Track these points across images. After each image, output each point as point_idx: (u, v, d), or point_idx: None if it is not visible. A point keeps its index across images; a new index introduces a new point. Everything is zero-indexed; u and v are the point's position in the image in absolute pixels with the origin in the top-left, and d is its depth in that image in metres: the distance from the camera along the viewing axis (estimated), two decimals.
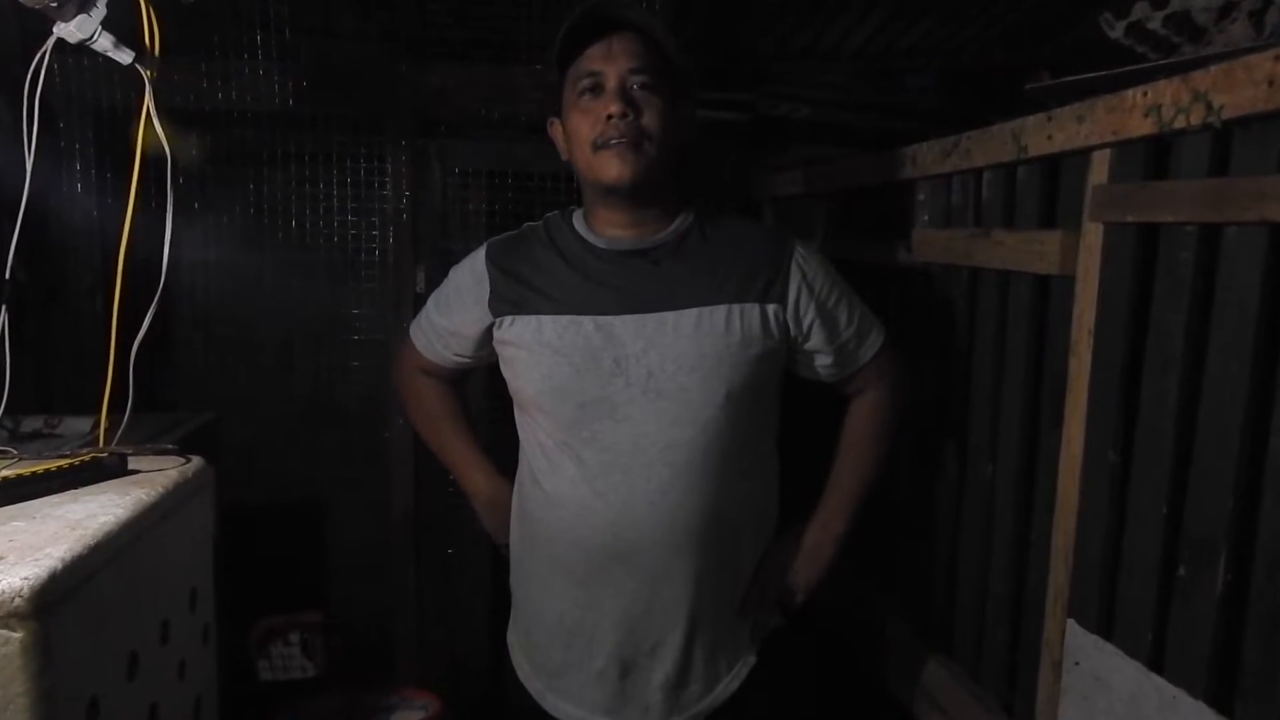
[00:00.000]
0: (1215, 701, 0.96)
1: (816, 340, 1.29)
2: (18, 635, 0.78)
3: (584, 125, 1.21)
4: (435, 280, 2.12)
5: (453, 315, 1.37)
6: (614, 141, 1.19)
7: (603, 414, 1.21)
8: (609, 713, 1.27)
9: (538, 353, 1.24)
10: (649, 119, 1.20)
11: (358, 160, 2.14)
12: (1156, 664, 1.04)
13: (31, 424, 1.55)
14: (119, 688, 0.94)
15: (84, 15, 1.10)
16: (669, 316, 1.22)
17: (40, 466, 1.05)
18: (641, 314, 1.22)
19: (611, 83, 1.19)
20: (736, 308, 1.23)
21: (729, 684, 1.30)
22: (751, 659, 1.32)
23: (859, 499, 1.37)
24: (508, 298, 1.28)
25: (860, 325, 1.32)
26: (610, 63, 1.19)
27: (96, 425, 1.44)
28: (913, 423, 1.60)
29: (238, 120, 2.05)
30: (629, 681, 1.27)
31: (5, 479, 1.00)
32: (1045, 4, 2.37)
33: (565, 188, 2.14)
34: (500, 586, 1.47)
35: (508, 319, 1.28)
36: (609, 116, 1.18)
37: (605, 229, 1.27)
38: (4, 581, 0.78)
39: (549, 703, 1.31)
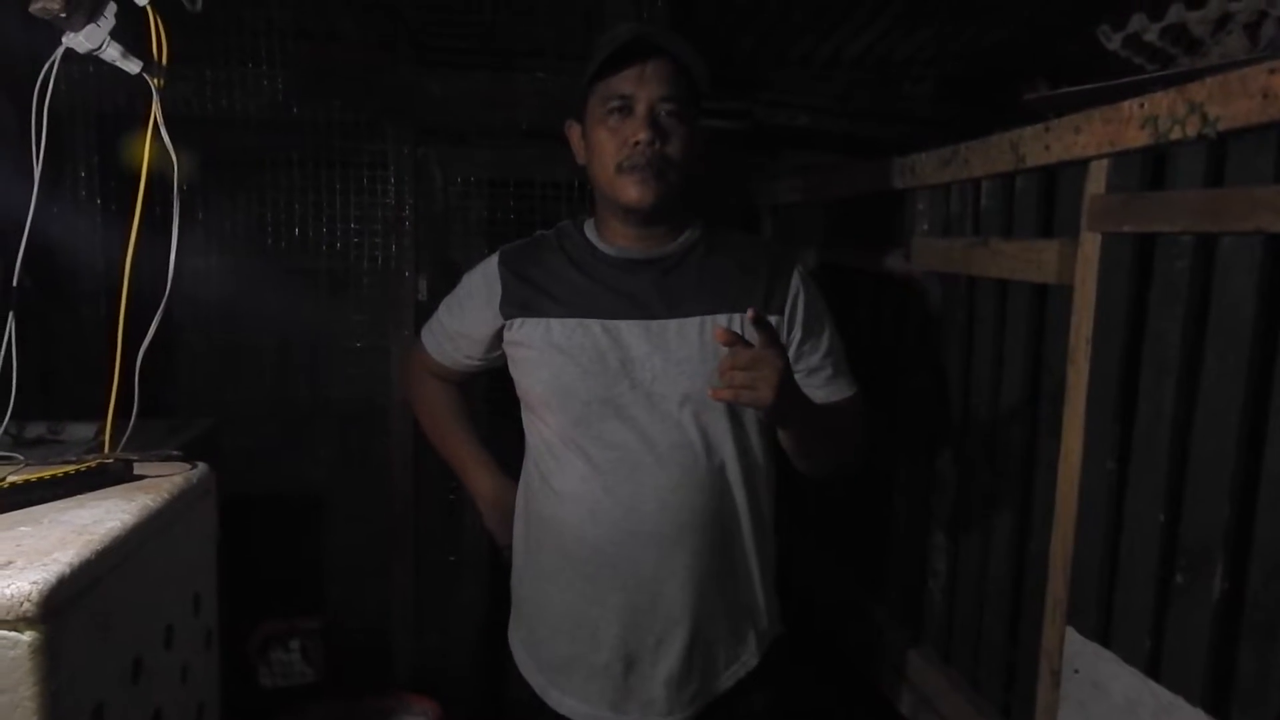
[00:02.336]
0: (1212, 708, 0.97)
1: (808, 359, 1.31)
2: (26, 639, 0.78)
3: (609, 144, 1.24)
4: (437, 287, 2.15)
5: (464, 318, 1.41)
6: (639, 167, 1.22)
7: (609, 414, 1.25)
8: (612, 707, 1.29)
9: (546, 353, 1.27)
10: (674, 147, 1.23)
11: (360, 168, 2.16)
12: (1154, 671, 1.05)
13: (35, 430, 1.56)
14: (124, 692, 0.94)
15: (93, 25, 1.11)
16: (673, 324, 1.26)
17: (46, 472, 1.06)
18: (648, 320, 1.26)
19: (641, 108, 1.22)
20: (738, 316, 1.26)
21: (726, 680, 1.32)
22: (753, 662, 1.33)
23: (823, 415, 1.28)
24: (518, 300, 1.32)
25: (839, 360, 1.34)
26: (642, 87, 1.22)
27: (100, 431, 1.44)
28: (912, 431, 1.61)
29: (240, 127, 2.07)
30: (633, 676, 1.28)
31: (12, 484, 1.01)
32: (1043, 15, 2.39)
33: (566, 195, 2.16)
34: (499, 592, 1.48)
35: (517, 321, 1.31)
36: (636, 142, 1.21)
37: (616, 238, 1.31)
38: (13, 586, 0.78)
39: (552, 698, 1.32)
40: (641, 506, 1.24)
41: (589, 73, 1.25)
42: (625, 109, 1.23)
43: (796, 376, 1.28)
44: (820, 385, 1.32)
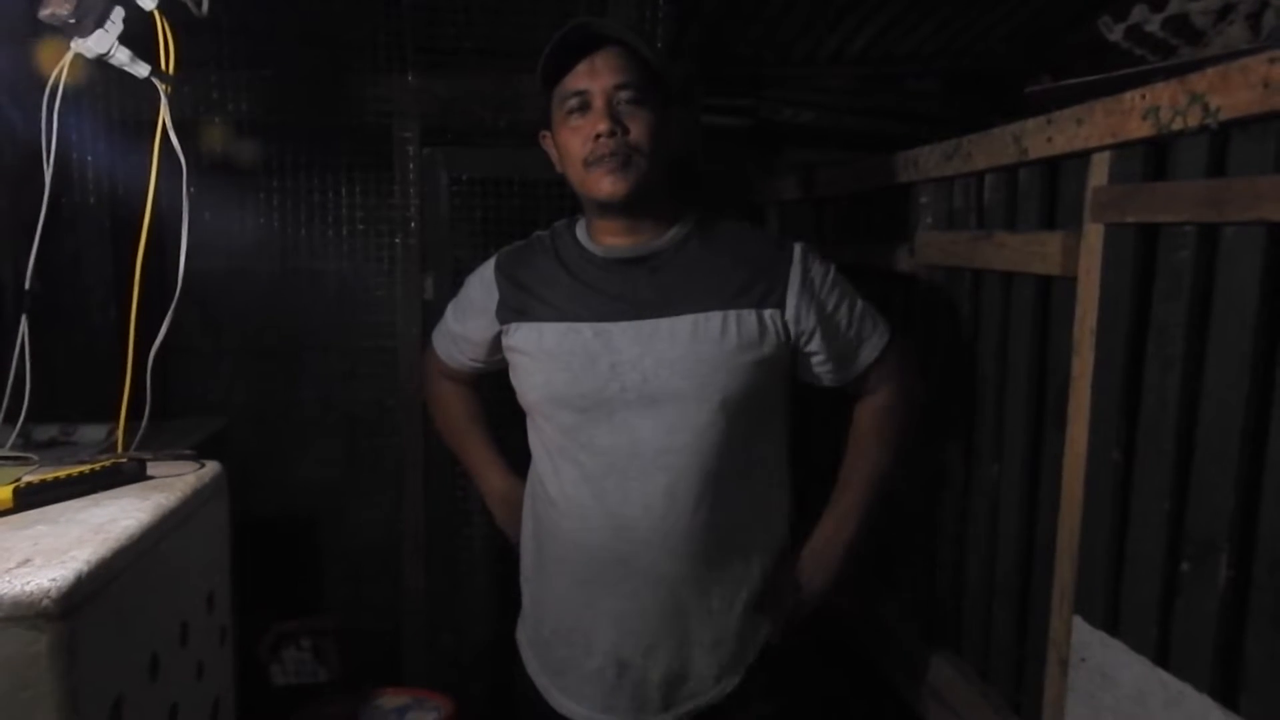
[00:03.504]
0: (1220, 695, 0.97)
1: (816, 343, 1.29)
2: (45, 635, 0.80)
3: (574, 143, 1.23)
4: (443, 287, 2.16)
5: (466, 322, 1.42)
6: (604, 159, 1.21)
7: (600, 419, 1.24)
8: (607, 709, 1.29)
9: (539, 359, 1.27)
10: (637, 133, 1.21)
11: (366, 169, 2.17)
12: (1162, 659, 1.05)
13: (46, 432, 1.57)
14: (141, 688, 0.95)
15: (101, 30, 1.12)
16: (664, 323, 1.24)
17: (62, 472, 1.07)
18: (638, 320, 1.24)
19: (598, 101, 1.21)
20: (733, 314, 1.24)
21: (727, 683, 1.31)
22: (752, 659, 1.33)
23: (868, 502, 1.36)
24: (513, 306, 1.32)
25: (861, 327, 1.32)
26: (595, 80, 1.21)
27: (111, 432, 1.46)
28: (917, 423, 1.62)
29: (247, 130, 2.08)
30: (626, 680, 1.28)
31: (29, 484, 1.02)
32: (1045, 8, 2.39)
33: (571, 194, 2.15)
34: (509, 590, 1.50)
35: (513, 326, 1.32)
36: (597, 135, 1.20)
37: (604, 238, 1.30)
38: (32, 583, 0.80)
39: (554, 698, 1.33)
40: (628, 512, 1.23)
41: (539, 79, 1.24)
42: (583, 105, 1.22)
43: (823, 363, 1.31)
44: (849, 358, 1.32)
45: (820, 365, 1.32)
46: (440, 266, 2.20)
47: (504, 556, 1.89)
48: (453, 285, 2.10)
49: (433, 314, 2.13)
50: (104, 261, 2.07)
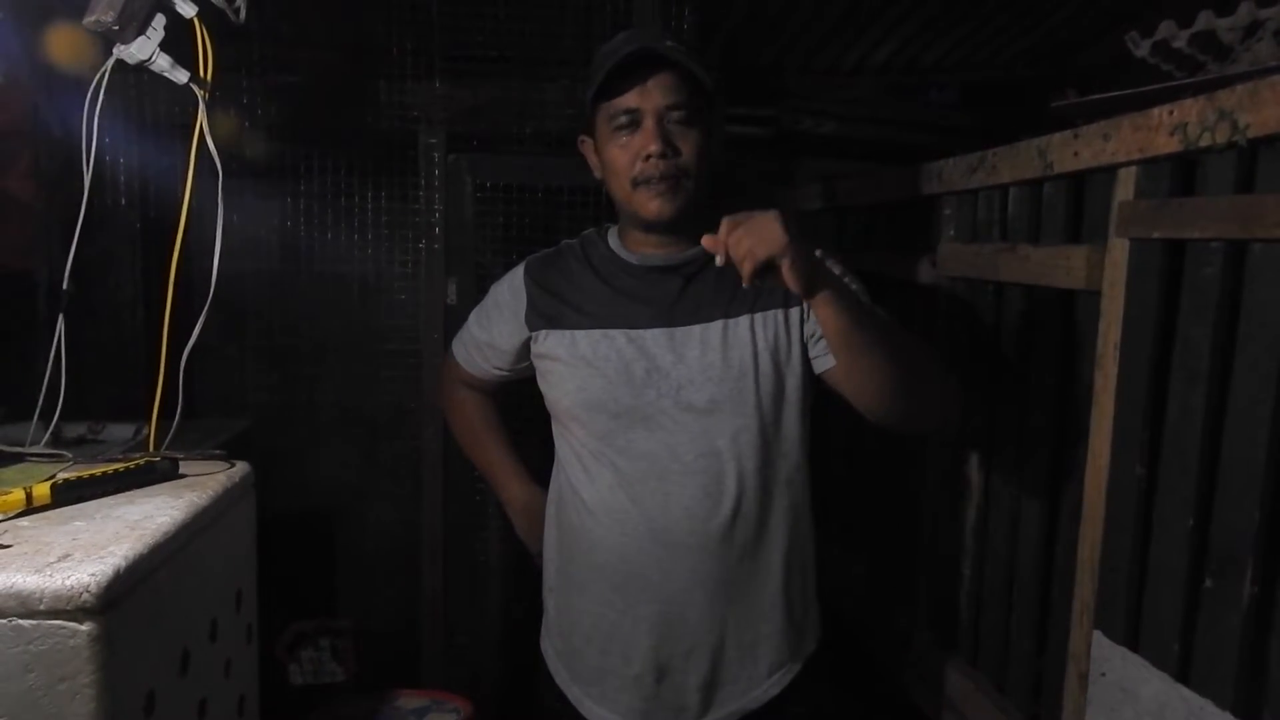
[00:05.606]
0: (1242, 712, 0.97)
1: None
2: (85, 629, 0.81)
3: (622, 160, 1.23)
4: (466, 292, 2.18)
5: (492, 329, 1.41)
6: (654, 181, 1.21)
7: (636, 424, 1.25)
8: (645, 715, 1.29)
9: (572, 365, 1.28)
10: (687, 155, 1.21)
11: (391, 175, 2.19)
12: (1183, 675, 1.05)
13: (75, 430, 1.59)
14: (173, 683, 0.97)
15: (143, 38, 1.15)
16: (696, 330, 1.25)
17: (97, 470, 1.09)
18: (671, 327, 1.26)
19: (649, 121, 1.20)
20: (759, 316, 1.25)
21: (769, 689, 1.31)
22: (796, 667, 1.33)
23: (876, 315, 1.18)
24: (543, 312, 1.32)
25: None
26: (647, 99, 1.20)
27: (138, 431, 1.48)
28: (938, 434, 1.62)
29: (275, 134, 2.11)
30: (665, 685, 1.28)
31: (66, 481, 1.04)
32: (1070, 21, 2.39)
33: (594, 202, 2.18)
34: (526, 593, 1.50)
35: (543, 333, 1.32)
36: (648, 156, 1.20)
37: (638, 246, 1.31)
38: (73, 577, 0.82)
39: (586, 708, 1.33)
40: (668, 517, 1.24)
41: (591, 91, 1.24)
42: (633, 123, 1.21)
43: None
44: None
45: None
46: (463, 271, 2.22)
47: (522, 559, 1.90)
48: (475, 290, 2.11)
49: (455, 318, 2.15)
50: (133, 262, 2.09)
